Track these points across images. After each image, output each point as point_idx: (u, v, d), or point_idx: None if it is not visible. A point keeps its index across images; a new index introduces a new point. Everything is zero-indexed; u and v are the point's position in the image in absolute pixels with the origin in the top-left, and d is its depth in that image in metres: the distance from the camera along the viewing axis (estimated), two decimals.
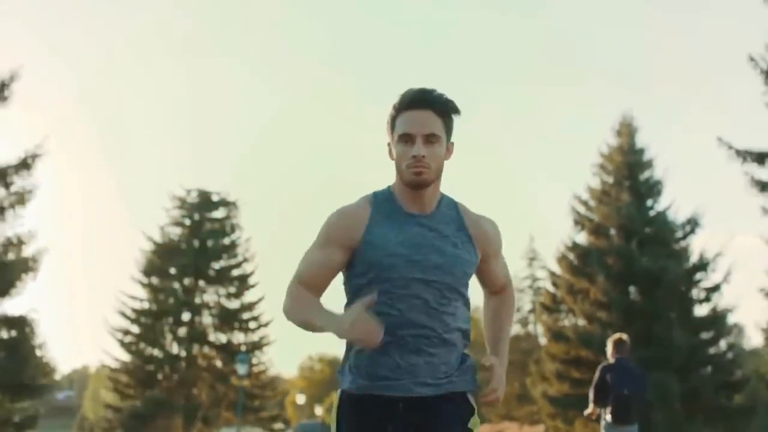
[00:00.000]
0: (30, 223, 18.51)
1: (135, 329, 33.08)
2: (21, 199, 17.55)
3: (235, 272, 34.32)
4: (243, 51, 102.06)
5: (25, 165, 17.46)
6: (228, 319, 33.65)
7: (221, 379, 33.28)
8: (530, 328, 41.15)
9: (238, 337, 33.96)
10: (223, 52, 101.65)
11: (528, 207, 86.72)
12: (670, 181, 65.31)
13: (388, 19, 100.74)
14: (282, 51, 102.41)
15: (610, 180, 28.57)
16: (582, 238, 28.73)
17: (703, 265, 26.99)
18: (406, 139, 2.54)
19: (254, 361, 33.53)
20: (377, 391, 2.56)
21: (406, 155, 2.54)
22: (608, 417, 8.38)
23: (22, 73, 17.37)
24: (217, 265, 34.03)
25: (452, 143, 2.64)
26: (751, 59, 17.35)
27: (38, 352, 18.59)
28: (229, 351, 33.21)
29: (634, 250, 26.62)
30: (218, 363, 33.65)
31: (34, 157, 17.68)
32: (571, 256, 28.52)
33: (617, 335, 8.84)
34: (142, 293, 33.41)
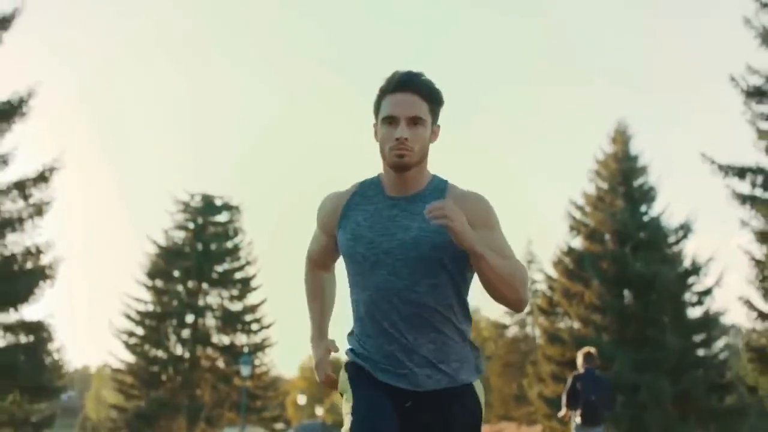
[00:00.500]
0: (47, 233, 19.69)
1: (139, 331, 34.02)
2: (39, 210, 18.75)
3: (238, 275, 35.31)
4: (243, 51, 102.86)
5: (42, 178, 18.75)
6: (231, 321, 34.63)
7: (224, 380, 34.22)
8: (528, 330, 42.17)
9: (241, 339, 34.92)
10: (223, 52, 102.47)
11: (528, 207, 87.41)
12: (670, 180, 66.40)
13: (388, 19, 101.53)
14: (282, 51, 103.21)
15: (605, 186, 29.69)
16: (577, 242, 29.90)
17: (695, 270, 28.06)
18: (390, 121, 2.57)
19: (256, 362, 34.41)
20: (377, 375, 2.61)
21: (389, 137, 2.57)
22: (578, 419, 9.82)
23: (39, 90, 18.68)
24: (220, 268, 35.06)
25: (438, 126, 2.67)
26: (732, 79, 18.57)
27: (55, 356, 19.92)
28: (232, 352, 34.19)
29: (628, 254, 27.65)
30: (221, 364, 34.63)
31: (52, 170, 18.97)
32: (567, 260, 29.68)
33: (586, 349, 10.31)
34: (147, 296, 34.37)
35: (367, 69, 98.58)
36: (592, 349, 10.29)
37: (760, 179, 18.43)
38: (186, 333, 34.42)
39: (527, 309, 41.85)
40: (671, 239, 28.74)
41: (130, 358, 34.11)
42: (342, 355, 2.76)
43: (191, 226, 35.48)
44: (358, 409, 2.51)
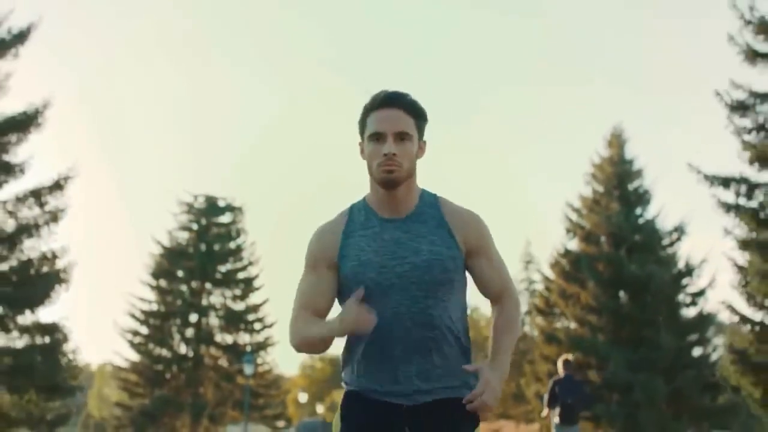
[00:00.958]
0: (62, 239, 20.95)
1: (144, 330, 35.11)
2: (54, 217, 20.03)
3: (241, 275, 36.44)
4: (243, 51, 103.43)
5: (58, 186, 20.04)
6: (234, 321, 35.75)
7: (227, 378, 35.26)
8: (527, 329, 43.16)
9: (244, 338, 36.03)
10: (223, 52, 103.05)
11: (528, 207, 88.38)
12: (670, 180, 67.35)
13: (388, 19, 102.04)
14: (282, 51, 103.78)
15: (601, 189, 30.82)
16: (574, 244, 31.05)
17: (689, 271, 29.21)
18: (377, 137, 2.58)
19: (259, 360, 35.44)
20: (379, 397, 2.63)
21: (377, 154, 2.58)
22: (557, 419, 11.35)
23: (54, 101, 19.95)
24: (223, 268, 36.20)
25: (425, 142, 2.69)
26: (717, 93, 19.79)
27: (70, 356, 21.20)
28: (234, 351, 35.27)
29: (623, 256, 28.74)
30: (224, 363, 35.66)
31: (66, 179, 20.24)
32: (564, 261, 30.83)
33: (564, 356, 12.06)
34: (151, 295, 35.47)
35: (367, 69, 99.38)
36: (570, 357, 11.97)
37: (743, 189, 19.68)
38: (190, 332, 35.47)
39: (525, 309, 43.06)
40: (665, 241, 29.86)
41: (135, 356, 35.12)
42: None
43: (195, 227, 36.58)
44: None
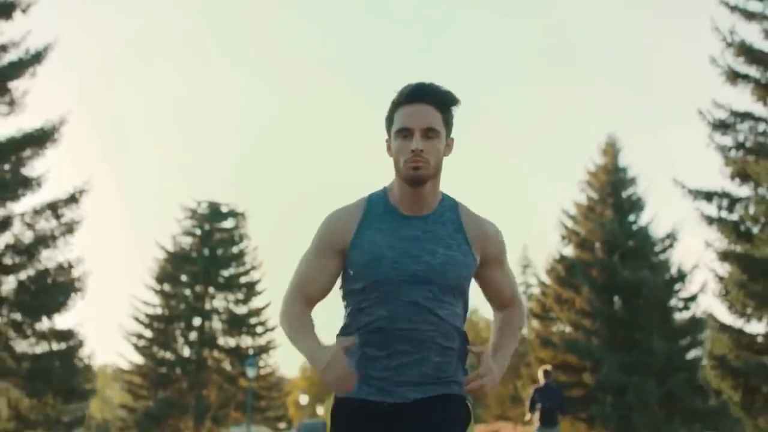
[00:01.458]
0: (77, 250, 22.42)
1: (148, 333, 36.34)
2: (70, 228, 21.52)
3: (243, 279, 37.80)
4: (243, 51, 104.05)
5: (73, 199, 21.54)
6: (236, 324, 37.00)
7: (230, 380, 36.46)
8: (524, 332, 44.36)
9: (246, 341, 37.30)
10: (223, 52, 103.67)
11: (527, 207, 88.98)
12: (669, 179, 68.35)
13: (388, 19, 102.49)
14: (282, 51, 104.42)
15: (596, 196, 32.18)
16: (569, 251, 32.42)
17: (681, 277, 30.56)
18: (405, 133, 2.57)
19: (261, 363, 36.61)
20: (371, 396, 2.62)
21: (404, 150, 2.56)
22: (537, 423, 13.20)
23: (70, 118, 21.48)
24: (226, 273, 37.55)
25: (452, 139, 2.67)
26: (700, 112, 21.25)
27: (85, 361, 22.73)
28: (237, 354, 36.50)
29: (617, 262, 30.06)
30: (227, 366, 36.95)
31: (82, 192, 21.73)
32: (559, 267, 32.16)
33: (544, 366, 14.10)
34: (155, 299, 36.74)
35: (367, 69, 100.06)
36: (549, 367, 13.92)
37: (725, 202, 21.14)
38: (193, 335, 36.73)
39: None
40: (658, 248, 31.23)
41: (139, 359, 36.37)
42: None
43: (198, 232, 37.90)
44: None
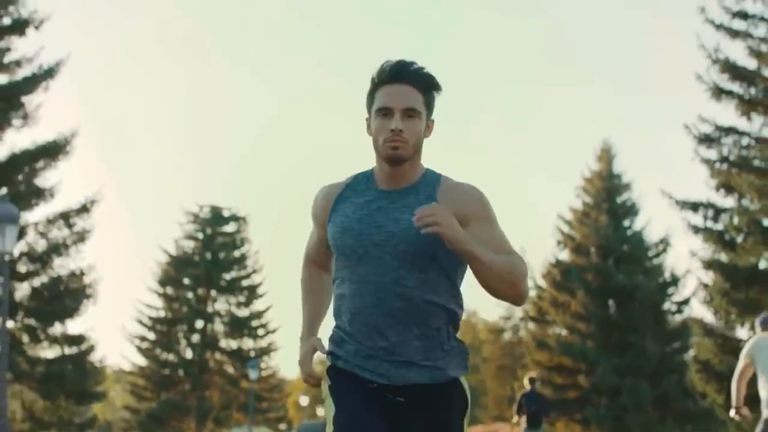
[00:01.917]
0: (88, 258, 23.70)
1: (151, 336, 37.57)
2: (81, 237, 22.83)
3: (245, 282, 38.97)
4: (243, 51, 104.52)
5: (85, 209, 22.86)
6: (238, 327, 38.19)
7: (232, 382, 37.72)
8: (522, 334, 45.32)
9: (248, 344, 38.52)
10: (223, 52, 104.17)
11: (527, 207, 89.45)
12: (669, 180, 69.19)
13: (388, 19, 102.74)
14: (282, 51, 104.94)
15: (591, 202, 33.32)
16: (565, 255, 33.58)
17: (674, 281, 31.74)
18: (384, 112, 2.59)
19: (262, 365, 37.79)
20: (356, 371, 2.64)
21: (383, 129, 2.58)
22: (524, 425, 14.98)
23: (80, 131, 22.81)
24: (228, 276, 38.69)
25: (432, 120, 2.69)
26: (686, 127, 22.53)
27: (96, 364, 24.10)
28: (239, 356, 37.69)
29: (611, 267, 31.14)
30: (229, 368, 38.18)
31: (93, 202, 23.05)
32: (555, 272, 33.29)
33: (530, 374, 16.08)
34: (158, 302, 37.93)
35: (367, 69, 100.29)
36: (534, 374, 16.03)
37: (710, 213, 22.43)
38: (196, 338, 37.87)
39: (520, 315, 45.42)
40: (651, 252, 32.39)
41: (143, 361, 37.59)
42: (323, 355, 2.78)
43: (200, 236, 39.03)
44: (339, 419, 2.56)
